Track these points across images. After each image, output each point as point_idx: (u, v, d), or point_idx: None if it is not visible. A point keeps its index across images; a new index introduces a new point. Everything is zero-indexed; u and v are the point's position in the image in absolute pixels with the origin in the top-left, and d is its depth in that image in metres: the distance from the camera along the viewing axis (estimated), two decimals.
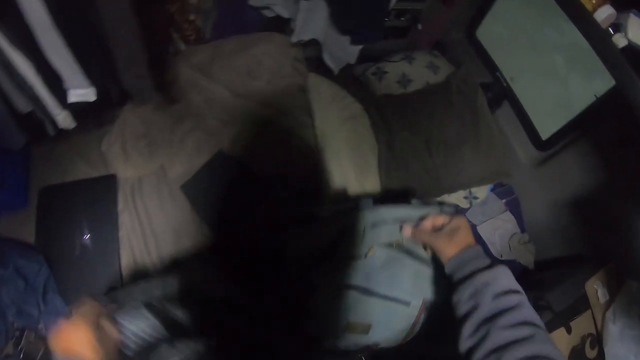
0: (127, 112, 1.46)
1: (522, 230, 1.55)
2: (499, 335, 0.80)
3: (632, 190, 1.30)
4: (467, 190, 1.54)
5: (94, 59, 1.15)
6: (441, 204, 1.24)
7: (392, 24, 1.76)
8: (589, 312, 1.35)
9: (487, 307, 0.85)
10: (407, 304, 1.09)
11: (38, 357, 1.33)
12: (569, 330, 1.28)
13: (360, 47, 1.51)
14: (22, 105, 1.19)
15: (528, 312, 0.84)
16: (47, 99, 1.19)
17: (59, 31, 1.05)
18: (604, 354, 1.33)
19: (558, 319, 1.28)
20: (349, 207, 1.24)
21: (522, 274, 1.49)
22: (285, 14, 1.46)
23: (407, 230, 1.09)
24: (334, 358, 1.23)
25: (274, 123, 1.41)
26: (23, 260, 1.35)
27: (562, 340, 1.27)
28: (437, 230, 1.04)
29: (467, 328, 0.85)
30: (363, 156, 1.42)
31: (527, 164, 1.58)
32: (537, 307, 1.25)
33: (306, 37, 1.49)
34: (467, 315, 0.87)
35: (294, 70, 1.50)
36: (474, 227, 1.49)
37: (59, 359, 0.80)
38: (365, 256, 1.14)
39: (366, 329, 1.12)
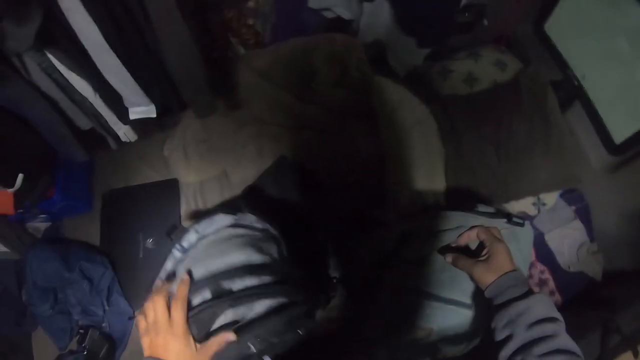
0: (189, 118, 1.46)
1: (592, 240, 1.46)
2: None
3: None
4: (536, 197, 1.46)
5: (152, 77, 1.15)
6: (509, 214, 1.19)
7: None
8: None
9: (521, 336, 0.86)
10: (468, 307, 1.09)
11: (101, 355, 1.39)
12: (636, 354, 1.22)
13: (427, 50, 1.42)
14: (83, 123, 1.21)
15: (564, 340, 0.85)
16: (108, 116, 1.20)
17: (114, 52, 1.05)
18: None
19: (626, 342, 1.22)
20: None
21: (589, 286, 1.42)
22: (346, 15, 1.40)
23: (449, 258, 1.06)
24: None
25: (338, 128, 1.37)
26: (88, 264, 1.40)
27: None
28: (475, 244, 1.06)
29: (502, 356, 0.86)
30: (430, 162, 1.37)
31: (599, 169, 1.48)
32: (606, 328, 1.20)
33: (370, 39, 1.42)
34: (502, 343, 0.88)
35: (358, 72, 1.45)
36: (541, 236, 1.42)
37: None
38: (429, 260, 1.13)
39: (428, 332, 1.13)
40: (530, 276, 1.34)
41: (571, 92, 1.52)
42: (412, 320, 1.14)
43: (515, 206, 1.43)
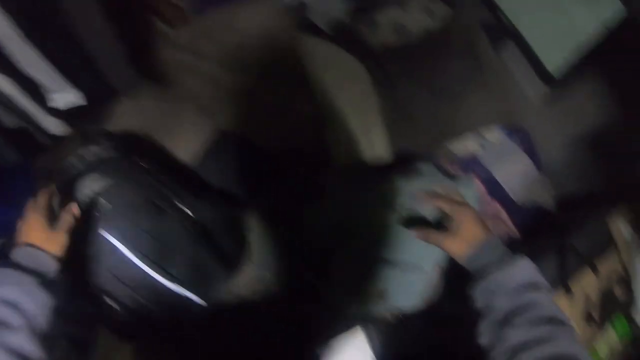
0: (122, 107, 1.39)
1: (540, 171, 1.46)
2: (515, 336, 0.74)
3: None
4: (479, 135, 1.45)
5: (72, 63, 1.10)
6: (453, 176, 1.17)
7: None
8: (614, 250, 1.27)
9: (501, 307, 0.79)
10: (420, 268, 1.06)
11: None
12: (596, 271, 1.22)
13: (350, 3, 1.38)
14: (8, 120, 1.14)
15: (548, 308, 0.77)
16: (32, 109, 1.14)
17: (30, 43, 1.00)
18: (633, 294, 1.26)
19: (583, 260, 1.21)
20: (361, 176, 1.19)
21: (543, 216, 1.41)
22: None
23: (418, 234, 1.00)
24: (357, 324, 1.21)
25: (273, 94, 1.33)
26: None
27: (589, 281, 1.21)
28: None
29: (483, 328, 0.80)
30: (368, 115, 1.34)
31: (537, 101, 1.48)
32: (562, 248, 1.19)
33: (294, 1, 1.39)
34: (482, 315, 0.81)
35: (287, 36, 1.41)
36: (489, 173, 1.40)
37: (18, 254, 0.84)
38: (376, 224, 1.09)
39: (382, 295, 1.10)
40: (483, 212, 1.33)
41: (502, 31, 1.52)
42: (365, 284, 1.12)
43: (459, 146, 1.42)
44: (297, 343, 1.18)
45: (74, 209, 0.93)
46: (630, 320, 1.25)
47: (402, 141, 1.36)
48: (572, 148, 1.41)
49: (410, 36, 1.46)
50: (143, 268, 1.00)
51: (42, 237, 0.87)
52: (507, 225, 1.37)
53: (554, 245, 1.20)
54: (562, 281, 1.16)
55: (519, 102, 1.45)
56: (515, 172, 1.43)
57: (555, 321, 0.74)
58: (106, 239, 0.99)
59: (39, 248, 0.85)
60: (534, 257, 1.17)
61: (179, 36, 1.41)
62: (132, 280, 1.00)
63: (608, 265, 1.25)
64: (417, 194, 1.07)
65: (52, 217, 0.90)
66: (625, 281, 1.27)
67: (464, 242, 0.90)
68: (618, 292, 1.26)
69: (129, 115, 1.38)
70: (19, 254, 0.84)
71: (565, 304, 1.15)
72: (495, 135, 1.45)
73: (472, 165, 1.38)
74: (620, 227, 1.29)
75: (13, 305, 0.75)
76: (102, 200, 1.00)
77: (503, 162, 1.43)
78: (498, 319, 0.78)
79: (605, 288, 1.23)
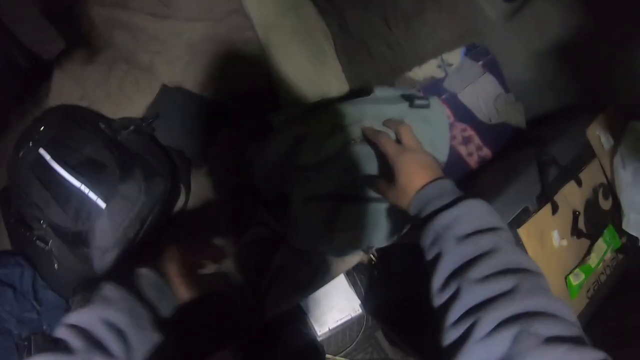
0: (58, 79, 1.26)
1: (507, 90, 1.37)
2: (472, 292, 0.63)
3: (622, 22, 1.13)
4: (439, 58, 1.35)
5: None
6: (410, 97, 1.08)
7: None
8: (595, 161, 1.20)
9: (451, 255, 0.69)
10: (385, 200, 0.98)
11: None
12: (579, 183, 1.14)
13: None
14: None
15: (506, 255, 0.67)
16: None
17: None
18: (619, 203, 1.20)
19: (565, 173, 1.13)
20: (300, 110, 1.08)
21: (515, 135, 1.32)
22: None
23: (377, 190, 0.95)
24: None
25: (210, 38, 1.21)
26: (3, 269, 1.21)
27: (574, 194, 1.14)
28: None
29: (436, 282, 0.69)
30: (317, 46, 1.23)
31: (496, 18, 1.38)
32: (542, 163, 1.11)
33: None
34: (432, 266, 0.70)
35: None
36: (454, 96, 1.30)
37: (145, 278, 0.78)
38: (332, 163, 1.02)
39: (355, 234, 1.04)
40: (453, 137, 1.24)
41: None
42: (331, 225, 1.04)
43: (419, 72, 1.31)
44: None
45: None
46: (618, 228, 1.18)
47: (359, 72, 1.26)
48: (539, 63, 1.32)
49: None
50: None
51: (177, 274, 0.81)
52: (478, 145, 1.28)
53: (534, 160, 1.12)
54: (547, 196, 1.08)
55: (477, 20, 1.34)
56: (481, 93, 1.34)
57: (517, 269, 0.65)
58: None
59: (169, 285, 0.80)
60: (513, 170, 1.12)
61: None
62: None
63: (590, 177, 1.17)
64: (362, 128, 0.97)
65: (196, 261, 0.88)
66: (610, 191, 1.20)
67: (403, 192, 0.83)
68: (603, 203, 1.19)
69: (67, 86, 1.25)
70: (145, 279, 0.79)
71: (552, 220, 1.07)
72: (456, 57, 1.36)
73: (435, 90, 1.29)
74: (599, 137, 1.21)
75: (120, 333, 0.69)
76: None
77: (467, 84, 1.34)
78: (451, 269, 0.68)
79: (591, 200, 1.16)
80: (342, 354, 1.63)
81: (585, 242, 1.13)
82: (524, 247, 1.01)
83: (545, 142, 1.16)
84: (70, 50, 1.23)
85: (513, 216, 1.03)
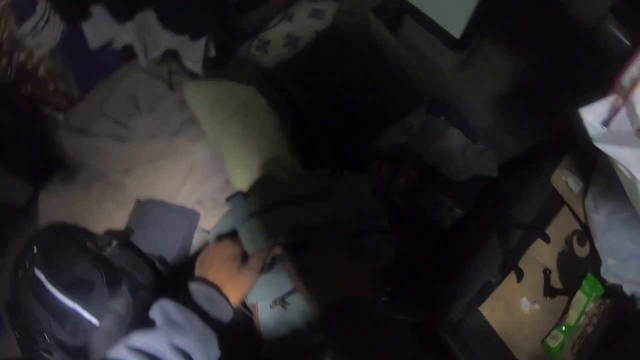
0: (44, 198, 1.33)
1: (474, 140, 1.32)
2: None
3: (565, 60, 1.08)
4: (403, 124, 1.33)
5: None
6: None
7: None
8: (565, 208, 1.15)
9: None
10: None
11: None
12: (547, 239, 1.09)
13: (202, 40, 1.25)
14: None
15: None
16: None
17: None
18: (596, 249, 1.13)
19: (530, 233, 1.09)
20: None
21: (488, 185, 1.28)
22: (130, 39, 1.25)
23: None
24: None
25: (168, 152, 1.24)
26: None
27: (543, 252, 1.09)
28: None
29: None
30: (273, 138, 1.20)
31: (451, 71, 1.35)
32: (502, 229, 1.07)
33: (158, 52, 1.28)
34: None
35: (171, 86, 1.31)
36: (419, 157, 1.27)
37: (201, 293, 0.76)
38: None
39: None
40: (421, 203, 1.21)
41: (396, 9, 1.38)
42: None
43: (385, 143, 1.30)
44: None
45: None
46: (598, 275, 1.12)
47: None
48: (499, 107, 1.28)
49: (301, 45, 1.33)
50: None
51: (228, 282, 0.79)
52: (449, 207, 1.24)
53: (494, 226, 1.08)
54: (510, 264, 1.04)
55: (433, 76, 1.32)
56: (448, 150, 1.31)
57: None
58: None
59: (224, 295, 0.77)
60: (478, 239, 1.08)
61: (70, 119, 1.33)
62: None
63: (561, 228, 1.12)
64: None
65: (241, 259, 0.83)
66: (586, 236, 1.14)
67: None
68: (580, 250, 1.13)
69: (55, 207, 1.32)
70: (201, 294, 0.77)
71: (518, 288, 1.04)
72: (419, 120, 1.33)
73: (403, 157, 1.27)
74: (566, 181, 1.16)
75: (187, 357, 0.69)
76: None
77: (431, 142, 1.31)
78: None
79: (564, 253, 1.11)
80: None
81: (562, 299, 1.08)
82: (488, 324, 0.98)
83: (505, 204, 1.12)
84: (52, 171, 1.30)
85: (474, 293, 1.00)
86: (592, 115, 0.80)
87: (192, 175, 1.24)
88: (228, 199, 1.02)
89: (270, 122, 1.22)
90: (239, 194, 1.03)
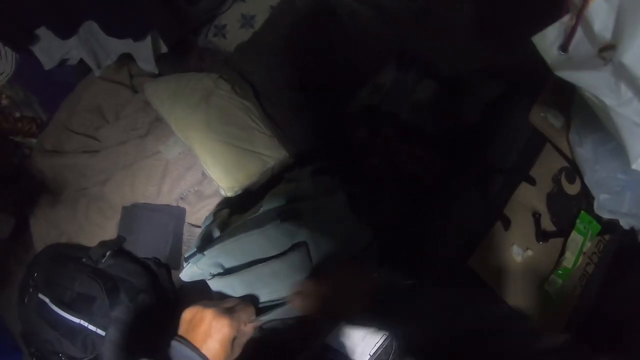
0: (35, 225, 1.29)
1: (447, 89, 1.17)
2: None
3: None
4: (371, 84, 1.21)
5: None
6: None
7: None
8: (548, 146, 1.02)
9: None
10: None
11: None
12: (532, 181, 0.97)
13: (147, 39, 1.15)
14: None
15: None
16: None
17: None
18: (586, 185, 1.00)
19: (513, 177, 0.97)
20: None
21: (467, 135, 1.14)
22: (77, 54, 1.16)
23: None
24: None
25: (140, 154, 1.17)
26: None
27: (530, 195, 0.97)
28: None
29: None
30: (237, 126, 1.11)
31: (411, 21, 1.21)
32: (485, 174, 0.95)
33: (110, 59, 1.18)
34: None
35: (134, 89, 1.23)
36: (395, 117, 1.14)
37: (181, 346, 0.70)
38: None
39: None
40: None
41: None
42: None
43: (354, 106, 1.18)
44: None
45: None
46: (592, 211, 1.00)
47: (288, 133, 1.15)
48: (466, 53, 1.14)
49: (259, 22, 1.21)
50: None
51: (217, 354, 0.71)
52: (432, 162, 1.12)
53: (472, 176, 0.97)
54: (495, 214, 0.93)
55: (394, 30, 1.19)
56: (425, 102, 1.18)
57: None
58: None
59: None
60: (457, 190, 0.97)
61: (43, 142, 1.27)
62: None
63: (546, 167, 1.00)
64: None
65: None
66: (573, 173, 1.01)
67: None
68: (569, 188, 1.01)
69: (45, 228, 1.28)
70: (184, 351, 0.70)
71: (506, 236, 0.92)
72: (389, 77, 1.21)
73: (377, 118, 1.15)
74: (546, 117, 1.02)
75: None
76: None
77: (406, 98, 1.19)
78: None
79: (553, 193, 0.99)
80: None
81: (557, 241, 0.96)
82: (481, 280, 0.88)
83: (483, 150, 0.99)
84: (37, 198, 1.26)
85: (459, 248, 0.89)
86: (546, 41, 0.67)
87: (168, 174, 1.17)
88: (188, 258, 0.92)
89: (237, 107, 1.12)
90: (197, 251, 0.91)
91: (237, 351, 0.76)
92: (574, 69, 0.66)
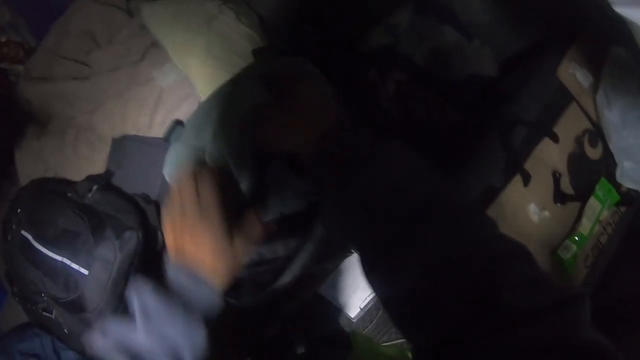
0: (20, 158, 1.21)
1: (469, 38, 1.09)
2: None
3: None
4: (388, 25, 1.11)
5: None
6: None
7: None
8: (573, 105, 0.93)
9: None
10: None
11: None
12: (555, 138, 0.89)
13: None
14: None
15: None
16: None
17: None
18: (609, 150, 0.93)
19: (536, 131, 0.89)
20: None
21: (487, 87, 1.05)
22: None
23: None
24: None
25: (133, 81, 1.07)
26: (24, 343, 1.20)
27: (551, 153, 0.89)
28: None
29: None
30: (238, 55, 1.01)
31: None
32: (504, 126, 0.87)
33: None
34: None
35: (129, 13, 1.12)
36: (409, 61, 1.05)
37: (174, 269, 0.59)
38: None
39: None
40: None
41: None
42: None
43: (372, 43, 1.08)
44: None
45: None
46: (613, 179, 0.93)
47: None
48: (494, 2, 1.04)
49: None
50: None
51: (212, 261, 0.58)
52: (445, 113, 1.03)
53: (495, 123, 0.88)
54: (514, 166, 0.85)
55: None
56: (440, 48, 1.08)
57: None
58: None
59: (205, 281, 0.58)
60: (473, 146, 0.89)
61: (31, 70, 1.17)
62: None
63: (570, 126, 0.92)
64: None
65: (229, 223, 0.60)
66: (598, 136, 0.94)
67: None
68: (591, 152, 0.93)
69: (33, 164, 1.20)
70: (181, 286, 0.58)
71: (525, 192, 0.85)
72: (405, 18, 1.10)
73: (390, 60, 1.05)
74: (575, 75, 0.94)
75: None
76: None
77: (422, 42, 1.09)
78: None
79: (575, 154, 0.91)
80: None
81: (574, 205, 0.90)
82: None
83: (507, 101, 0.91)
84: (23, 129, 1.18)
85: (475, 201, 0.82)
86: None
87: (162, 104, 1.08)
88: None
89: (241, 36, 1.02)
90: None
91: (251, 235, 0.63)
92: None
